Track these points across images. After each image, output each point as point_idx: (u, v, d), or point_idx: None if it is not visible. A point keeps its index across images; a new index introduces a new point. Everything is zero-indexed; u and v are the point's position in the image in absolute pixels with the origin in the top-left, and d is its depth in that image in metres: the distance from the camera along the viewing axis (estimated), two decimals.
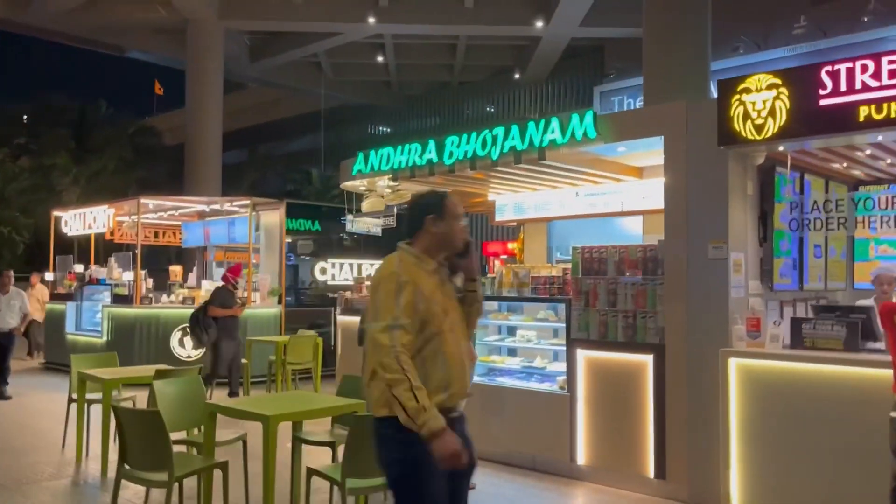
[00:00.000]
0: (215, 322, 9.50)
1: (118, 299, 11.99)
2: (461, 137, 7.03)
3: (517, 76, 28.11)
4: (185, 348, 11.28)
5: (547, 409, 6.28)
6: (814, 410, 4.80)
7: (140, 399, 6.84)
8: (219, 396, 9.18)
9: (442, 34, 25.21)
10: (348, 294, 9.70)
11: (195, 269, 14.72)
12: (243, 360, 9.90)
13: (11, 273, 10.29)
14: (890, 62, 4.58)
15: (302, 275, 15.49)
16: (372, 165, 7.97)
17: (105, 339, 11.65)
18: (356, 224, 10.42)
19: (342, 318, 9.26)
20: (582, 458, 6.08)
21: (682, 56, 13.41)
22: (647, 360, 5.72)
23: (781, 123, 4.95)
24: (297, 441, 5.10)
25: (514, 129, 6.60)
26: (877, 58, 4.65)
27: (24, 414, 9.02)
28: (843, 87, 4.72)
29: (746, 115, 5.09)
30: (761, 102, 5.03)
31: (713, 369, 5.25)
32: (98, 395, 6.43)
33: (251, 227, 12.25)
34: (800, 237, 6.09)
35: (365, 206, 9.25)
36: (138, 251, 12.31)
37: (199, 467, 4.66)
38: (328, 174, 30.92)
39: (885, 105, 4.57)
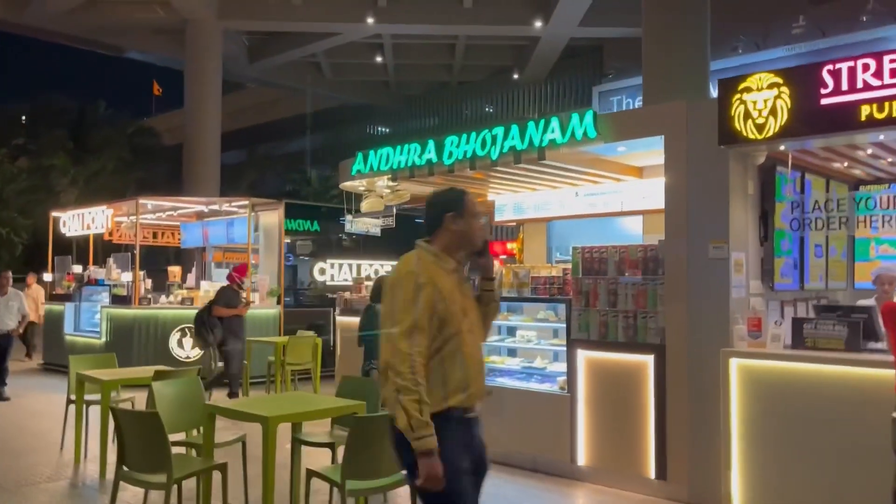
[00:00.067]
0: (220, 322, 9.45)
1: (117, 300, 11.96)
2: (461, 137, 7.01)
3: (516, 76, 28.11)
4: (184, 349, 11.25)
5: (547, 410, 6.26)
6: (815, 411, 4.78)
7: (139, 400, 6.82)
8: (218, 397, 9.16)
9: (441, 34, 25.20)
10: (347, 294, 9.68)
11: (194, 269, 14.69)
12: (243, 361, 9.87)
13: (10, 274, 10.25)
14: (891, 61, 4.56)
15: (301, 275, 15.49)
16: (371, 165, 7.95)
17: (104, 339, 11.62)
18: (355, 224, 10.39)
19: (341, 319, 9.24)
20: (582, 458, 6.06)
21: (681, 56, 13.40)
22: (648, 360, 5.70)
23: (783, 123, 4.93)
24: (297, 442, 5.07)
25: (514, 128, 6.58)
26: (878, 57, 4.63)
27: (22, 415, 9.00)
28: (845, 87, 4.70)
29: (747, 115, 5.07)
30: (762, 102, 5.01)
31: (714, 369, 5.23)
32: (97, 397, 6.40)
33: (250, 227, 12.23)
34: (800, 237, 6.07)
35: (364, 206, 9.23)
36: (137, 252, 12.28)
37: (198, 469, 4.63)
38: (326, 174, 30.90)
39: (886, 104, 4.56)
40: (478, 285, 3.19)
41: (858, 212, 5.90)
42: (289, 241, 13.50)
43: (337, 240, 15.01)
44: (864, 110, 4.63)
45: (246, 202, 12.63)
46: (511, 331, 7.23)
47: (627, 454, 5.79)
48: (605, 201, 8.13)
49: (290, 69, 29.07)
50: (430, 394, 2.83)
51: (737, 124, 5.13)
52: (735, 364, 5.12)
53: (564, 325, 6.32)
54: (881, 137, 5.15)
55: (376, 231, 10.64)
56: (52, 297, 14.18)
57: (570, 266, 6.51)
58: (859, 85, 4.66)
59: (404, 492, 4.59)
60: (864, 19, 17.32)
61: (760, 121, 5.02)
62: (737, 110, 5.12)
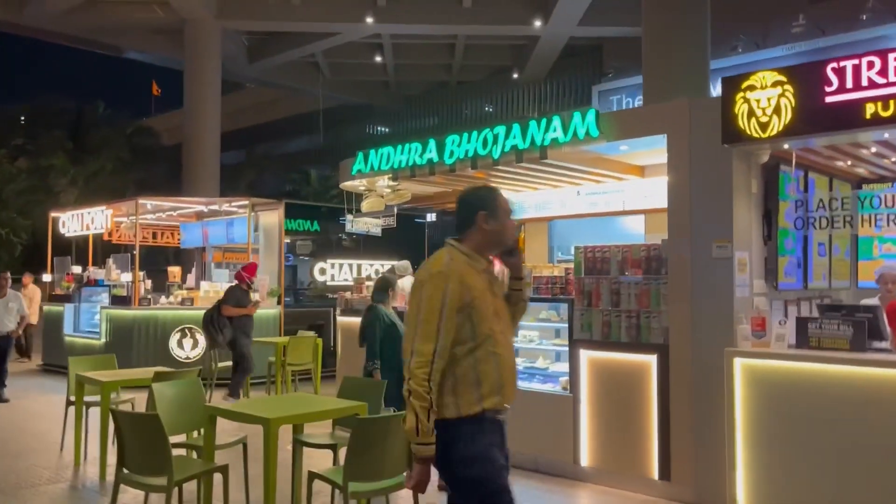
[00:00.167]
0: (230, 322, 9.41)
1: (116, 300, 11.93)
2: (462, 136, 6.97)
3: (515, 76, 28.10)
4: (183, 350, 11.22)
5: (550, 411, 6.22)
6: (820, 410, 4.74)
7: (139, 401, 6.78)
8: (217, 398, 9.13)
9: (440, 34, 25.18)
10: (348, 294, 9.64)
11: (194, 269, 14.65)
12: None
13: (8, 275, 10.20)
14: None
15: (301, 275, 15.46)
16: (372, 165, 7.91)
17: (103, 340, 11.58)
18: (356, 224, 10.35)
19: (342, 319, 9.20)
20: (585, 459, 6.02)
21: (681, 55, 13.40)
22: (651, 360, 5.66)
23: (787, 121, 4.89)
24: (298, 444, 5.04)
25: (516, 127, 6.55)
26: (883, 54, 4.60)
27: (21, 416, 8.96)
28: (850, 84, 4.67)
29: (751, 113, 5.04)
30: (766, 100, 4.97)
31: (718, 369, 5.19)
32: (96, 398, 6.36)
33: (250, 227, 12.19)
34: (804, 235, 6.04)
35: (364, 206, 9.20)
36: (136, 252, 12.25)
37: (199, 471, 4.60)
38: (325, 174, 30.88)
39: (891, 102, 4.52)
40: (507, 285, 3.14)
41: (862, 210, 5.87)
42: (289, 241, 13.47)
43: (337, 240, 14.98)
44: (869, 108, 4.60)
45: (246, 202, 12.60)
46: None
47: (631, 455, 5.75)
48: (607, 200, 8.11)
49: (289, 69, 29.05)
50: (464, 395, 2.83)
51: (740, 123, 5.09)
52: (739, 364, 5.08)
53: (567, 325, 6.28)
54: (886, 136, 5.12)
55: (377, 231, 10.60)
56: (51, 298, 14.13)
57: (571, 266, 6.48)
58: (864, 83, 4.62)
59: (406, 494, 4.55)
60: (864, 18, 17.32)
61: (764, 119, 4.99)
62: (740, 109, 5.08)
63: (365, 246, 14.13)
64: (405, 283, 8.88)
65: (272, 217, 13.01)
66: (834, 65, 4.74)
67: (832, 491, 4.68)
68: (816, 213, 5.62)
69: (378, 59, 28.05)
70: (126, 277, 12.18)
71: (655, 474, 5.61)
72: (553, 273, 6.81)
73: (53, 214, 15.12)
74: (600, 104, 21.07)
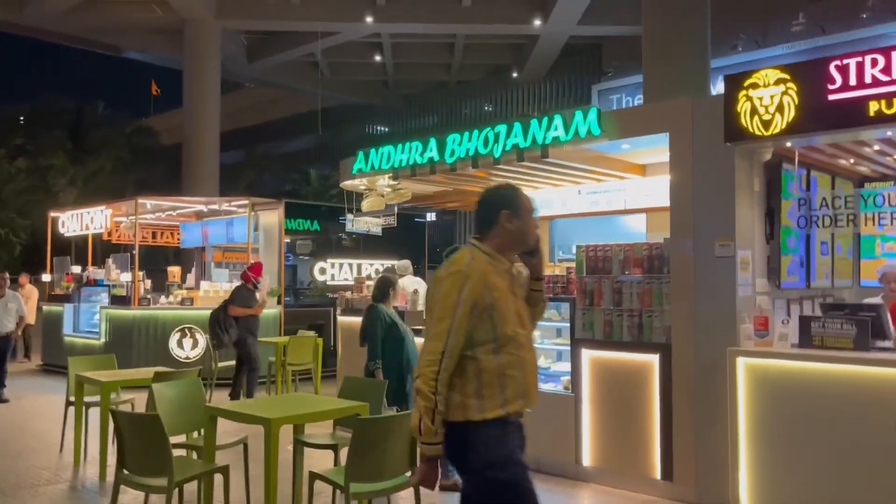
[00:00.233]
0: (236, 322, 9.38)
1: (116, 300, 11.90)
2: (463, 135, 6.94)
3: (515, 75, 28.09)
4: (183, 349, 11.20)
5: (551, 410, 6.19)
6: (824, 410, 4.72)
7: (139, 401, 6.76)
8: (218, 398, 9.10)
9: (439, 33, 25.17)
10: (348, 294, 9.62)
11: (193, 269, 14.63)
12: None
13: (6, 275, 10.17)
14: None
15: (301, 275, 15.43)
16: (372, 164, 7.89)
17: (103, 340, 11.55)
18: (356, 223, 10.32)
19: (342, 319, 9.18)
20: (587, 459, 6.00)
21: (681, 54, 13.38)
22: (654, 359, 5.64)
23: (790, 119, 4.87)
24: (299, 444, 5.02)
25: (517, 126, 6.52)
26: (887, 52, 4.57)
27: (21, 417, 8.93)
28: (853, 82, 4.64)
29: (754, 111, 5.01)
30: (769, 98, 4.95)
31: (721, 369, 5.17)
32: (96, 398, 6.34)
33: (249, 226, 12.17)
34: (807, 234, 6.01)
35: (365, 205, 9.17)
36: (136, 252, 12.23)
37: (200, 472, 4.57)
38: (325, 174, 30.87)
39: (895, 100, 4.50)
40: (526, 285, 3.10)
41: (864, 209, 5.84)
42: (289, 240, 13.44)
43: (337, 239, 14.95)
44: (873, 106, 4.57)
45: (246, 202, 12.57)
46: None
47: (633, 455, 5.73)
48: (608, 199, 8.09)
49: (288, 69, 29.04)
50: (488, 398, 2.79)
51: (743, 121, 5.06)
52: (742, 363, 5.05)
53: (568, 325, 6.26)
54: (889, 133, 5.09)
55: (377, 230, 10.57)
56: (50, 298, 14.11)
57: (573, 265, 6.45)
58: (868, 80, 4.59)
59: (408, 494, 4.53)
60: (864, 16, 17.32)
61: (767, 117, 4.96)
62: (743, 107, 5.06)
63: (365, 245, 14.11)
64: (406, 282, 8.86)
65: (272, 216, 12.99)
66: (837, 62, 4.71)
67: (836, 491, 4.65)
68: (819, 211, 5.59)
69: (377, 58, 28.04)
70: (126, 277, 12.16)
71: (657, 474, 5.58)
72: (555, 272, 6.78)
73: (53, 214, 15.09)
74: (600, 103, 21.07)
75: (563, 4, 21.37)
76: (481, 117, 29.57)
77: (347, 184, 8.99)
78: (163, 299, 12.14)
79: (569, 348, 6.22)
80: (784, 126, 4.90)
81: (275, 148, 40.34)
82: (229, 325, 9.29)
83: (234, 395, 9.30)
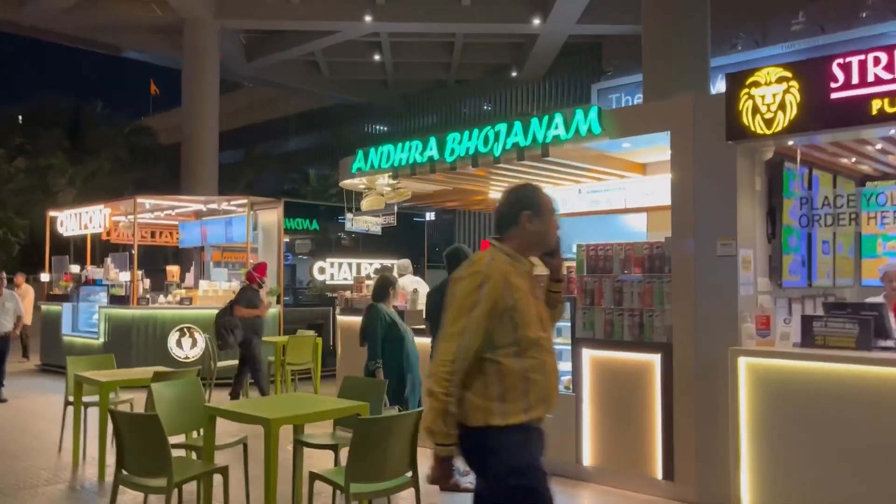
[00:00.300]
0: (240, 323, 9.35)
1: (115, 300, 11.88)
2: (463, 134, 6.92)
3: (514, 74, 28.08)
4: (182, 349, 11.17)
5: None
6: (826, 410, 4.70)
7: (138, 401, 6.73)
8: (217, 398, 9.08)
9: (439, 32, 25.14)
10: (348, 293, 9.60)
11: (192, 268, 14.61)
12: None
13: (3, 275, 10.13)
14: None
15: (300, 274, 15.39)
16: (372, 163, 7.86)
17: (102, 340, 11.53)
18: (355, 223, 10.30)
19: (342, 318, 9.15)
20: (588, 459, 5.98)
21: (680, 53, 13.37)
22: (655, 359, 5.62)
23: (792, 117, 4.85)
24: (299, 444, 5.00)
25: (517, 125, 6.50)
26: (889, 50, 4.55)
27: (19, 417, 8.91)
28: (856, 80, 4.62)
29: (755, 109, 4.99)
30: (771, 96, 4.93)
31: (722, 368, 5.15)
32: (95, 398, 6.32)
33: (249, 226, 12.15)
34: (808, 233, 5.99)
35: (364, 204, 9.14)
36: (135, 251, 12.20)
37: (199, 472, 4.55)
38: (324, 173, 30.84)
39: None
40: (545, 287, 3.06)
41: (866, 208, 5.83)
42: (288, 240, 13.42)
43: (336, 239, 14.93)
44: (876, 104, 4.55)
45: (245, 201, 12.55)
46: None
47: (634, 454, 5.71)
48: (609, 198, 8.06)
49: (287, 68, 29.01)
50: (511, 403, 2.74)
51: (745, 119, 5.04)
52: (743, 363, 5.04)
53: (569, 324, 6.23)
54: (891, 132, 5.07)
55: (377, 229, 10.55)
56: (49, 298, 14.08)
57: (573, 264, 6.43)
58: (870, 79, 4.57)
59: (408, 494, 4.51)
60: (864, 15, 17.32)
61: (769, 116, 4.94)
62: (745, 105, 5.04)
63: (364, 245, 14.08)
64: (406, 281, 8.84)
65: (271, 216, 12.96)
66: (840, 60, 4.69)
67: (838, 491, 4.64)
68: (821, 210, 5.58)
69: (377, 57, 28.01)
70: (124, 277, 12.13)
71: (659, 474, 5.56)
72: None
73: (51, 214, 15.07)
74: (599, 102, 21.04)
75: (562, 3, 21.35)
76: (480, 116, 29.57)
77: (347, 183, 8.96)
78: (162, 299, 12.13)
79: (569, 348, 6.19)
80: (786, 124, 4.88)
81: (274, 147, 40.30)
82: (234, 326, 9.27)
83: (234, 395, 9.28)
